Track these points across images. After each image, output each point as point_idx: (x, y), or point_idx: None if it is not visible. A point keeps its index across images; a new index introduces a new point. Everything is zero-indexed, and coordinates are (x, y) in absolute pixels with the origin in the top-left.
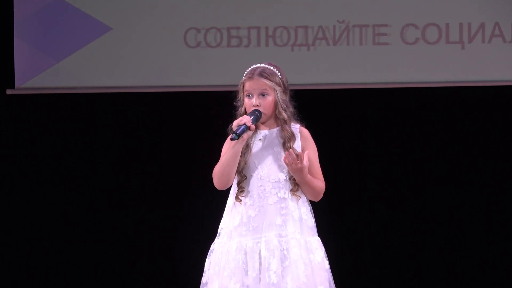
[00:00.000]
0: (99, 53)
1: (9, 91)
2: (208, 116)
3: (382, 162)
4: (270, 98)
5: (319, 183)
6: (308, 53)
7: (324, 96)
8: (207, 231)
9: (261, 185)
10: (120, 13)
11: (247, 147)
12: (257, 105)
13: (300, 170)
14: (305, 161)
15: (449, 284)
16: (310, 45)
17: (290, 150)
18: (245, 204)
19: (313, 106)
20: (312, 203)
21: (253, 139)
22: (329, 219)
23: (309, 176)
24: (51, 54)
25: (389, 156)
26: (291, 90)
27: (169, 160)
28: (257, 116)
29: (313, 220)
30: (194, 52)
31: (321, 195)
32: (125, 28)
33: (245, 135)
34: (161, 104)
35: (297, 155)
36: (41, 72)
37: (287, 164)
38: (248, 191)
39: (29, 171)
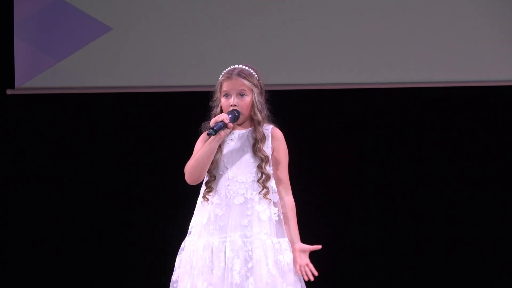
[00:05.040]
0: (99, 53)
1: (9, 91)
2: (208, 116)
3: (382, 161)
4: (248, 99)
5: (294, 214)
6: (315, 53)
7: (328, 96)
8: None
9: (228, 185)
10: (120, 13)
11: (218, 147)
12: (235, 105)
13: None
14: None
15: (449, 284)
16: (319, 44)
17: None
18: (212, 202)
19: (315, 106)
20: (311, 203)
21: (225, 139)
22: (329, 219)
23: (295, 230)
24: (51, 54)
25: (391, 156)
26: (267, 92)
27: (169, 160)
28: (235, 116)
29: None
30: (196, 52)
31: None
32: (125, 28)
33: (222, 133)
34: (161, 104)
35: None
36: (41, 72)
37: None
38: (216, 191)
39: (29, 171)
